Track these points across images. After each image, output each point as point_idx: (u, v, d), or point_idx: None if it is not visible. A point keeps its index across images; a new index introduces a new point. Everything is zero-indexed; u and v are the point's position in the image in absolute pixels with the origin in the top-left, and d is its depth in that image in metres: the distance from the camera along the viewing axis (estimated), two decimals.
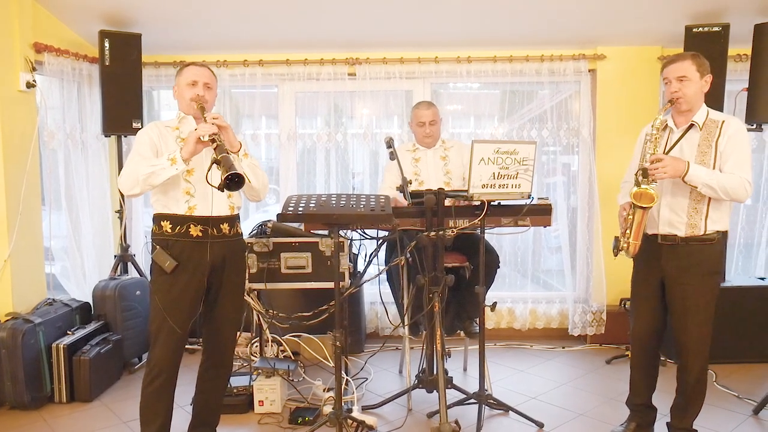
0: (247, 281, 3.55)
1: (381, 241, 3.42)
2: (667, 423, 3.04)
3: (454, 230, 3.21)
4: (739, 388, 3.74)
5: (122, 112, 4.23)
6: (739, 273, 4.70)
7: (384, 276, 3.83)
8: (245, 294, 3.58)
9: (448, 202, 3.23)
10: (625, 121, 4.46)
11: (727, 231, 2.89)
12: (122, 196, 4.43)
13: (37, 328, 3.56)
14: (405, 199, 3.22)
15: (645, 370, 3.07)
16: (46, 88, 4.13)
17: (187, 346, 4.06)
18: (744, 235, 4.71)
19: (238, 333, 3.01)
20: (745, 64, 4.19)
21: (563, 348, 4.61)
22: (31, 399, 3.49)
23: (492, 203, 3.14)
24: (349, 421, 3.09)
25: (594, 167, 4.61)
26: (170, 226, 2.67)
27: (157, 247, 2.67)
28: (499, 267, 3.79)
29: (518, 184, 3.09)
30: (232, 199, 2.75)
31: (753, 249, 4.72)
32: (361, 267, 3.80)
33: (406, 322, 3.60)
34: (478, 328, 3.42)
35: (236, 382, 3.57)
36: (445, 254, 3.30)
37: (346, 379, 3.65)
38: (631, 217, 2.81)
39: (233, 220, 2.81)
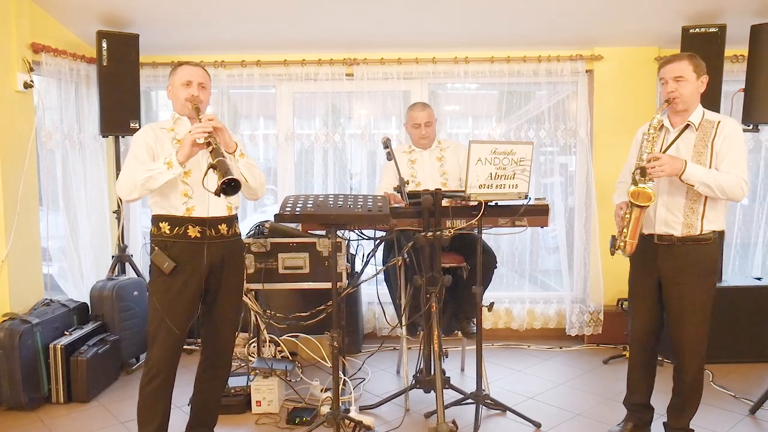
0: (244, 281, 3.56)
1: (378, 241, 3.43)
2: (663, 423, 3.05)
3: (452, 230, 3.21)
4: (735, 387, 3.75)
5: (120, 112, 4.23)
6: (735, 273, 4.71)
7: (381, 276, 3.83)
8: (243, 294, 3.59)
9: (445, 202, 3.23)
10: (622, 121, 4.47)
11: (723, 231, 2.90)
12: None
13: (34, 328, 3.56)
14: (402, 199, 3.22)
15: (643, 370, 3.07)
16: (44, 89, 4.12)
17: (185, 347, 4.09)
18: (741, 235, 4.72)
19: (236, 333, 3.02)
20: (741, 65, 4.20)
21: (560, 348, 4.61)
22: (28, 400, 3.49)
23: (489, 203, 3.15)
24: (347, 422, 3.09)
25: (591, 167, 4.62)
26: (169, 227, 2.67)
27: (156, 248, 2.68)
28: (496, 267, 3.80)
29: (515, 184, 3.09)
30: (229, 200, 2.75)
31: (750, 249, 4.73)
32: (358, 267, 3.81)
33: (403, 323, 3.60)
34: (475, 328, 3.43)
35: (234, 382, 3.57)
36: (443, 254, 3.31)
37: (344, 380, 3.66)
38: (628, 215, 2.81)
39: (231, 220, 2.81)
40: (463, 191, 3.07)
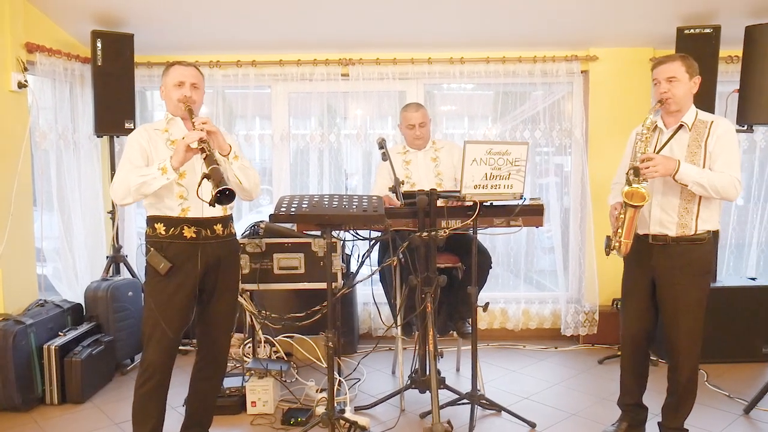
0: (240, 282, 3.55)
1: (374, 241, 3.43)
2: (658, 423, 3.06)
3: (447, 231, 3.21)
4: (729, 387, 3.76)
5: (114, 112, 4.22)
6: (730, 273, 4.73)
7: (377, 276, 3.83)
8: (238, 294, 3.58)
9: (440, 202, 3.23)
10: (618, 122, 4.48)
11: (718, 231, 2.91)
12: None
13: (28, 329, 3.54)
14: (398, 199, 3.22)
15: (636, 370, 3.08)
16: (38, 89, 4.11)
17: (180, 347, 4.07)
18: (735, 235, 4.74)
19: (231, 333, 3.01)
20: (736, 66, 4.22)
21: (556, 348, 4.62)
22: (22, 401, 3.48)
23: (484, 204, 3.15)
24: (342, 422, 3.09)
25: (586, 168, 4.63)
26: (164, 228, 2.67)
27: (152, 249, 2.67)
28: (491, 267, 3.81)
29: (510, 184, 3.09)
30: None
31: (744, 249, 4.75)
32: (354, 268, 3.80)
33: (398, 323, 3.60)
34: (470, 328, 3.43)
35: (229, 383, 3.56)
36: (438, 255, 3.31)
37: (339, 380, 3.66)
38: (622, 216, 2.82)
39: (226, 220, 2.81)
40: (459, 191, 3.07)
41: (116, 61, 4.19)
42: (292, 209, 2.86)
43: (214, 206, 2.40)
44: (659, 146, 2.86)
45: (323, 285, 3.18)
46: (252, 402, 3.48)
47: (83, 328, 3.87)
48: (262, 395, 3.48)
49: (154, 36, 4.38)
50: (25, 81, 3.86)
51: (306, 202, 2.93)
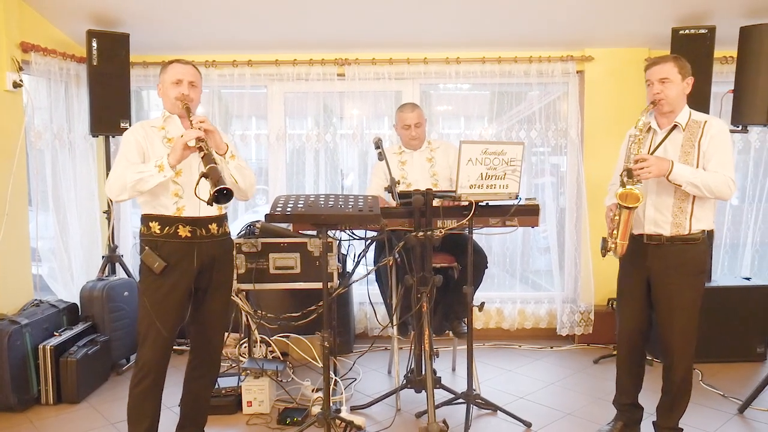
0: (235, 282, 3.55)
1: (369, 241, 3.43)
2: (653, 422, 3.07)
3: (443, 230, 3.22)
4: (724, 387, 3.78)
5: (110, 112, 4.21)
6: (725, 273, 4.74)
7: (373, 276, 3.83)
8: (233, 294, 3.58)
9: (436, 202, 3.24)
10: (613, 122, 4.49)
11: (712, 230, 2.92)
12: None
13: (23, 329, 3.53)
14: (393, 199, 3.22)
15: (631, 370, 3.09)
16: (33, 88, 4.10)
17: (175, 347, 4.08)
18: (730, 235, 4.75)
19: (227, 333, 3.01)
20: (731, 66, 4.23)
21: (551, 348, 4.63)
22: (17, 401, 3.47)
23: (480, 203, 3.16)
24: (338, 422, 3.09)
25: (582, 168, 4.64)
26: (159, 227, 2.67)
27: (146, 247, 2.66)
28: (487, 267, 3.81)
29: (506, 184, 3.10)
30: None
31: (739, 249, 4.76)
32: (349, 267, 3.81)
33: (394, 323, 3.60)
34: (466, 328, 3.43)
35: (224, 382, 3.57)
36: (434, 254, 3.31)
37: (335, 380, 3.66)
38: (617, 217, 2.83)
39: (221, 219, 2.81)
40: (454, 191, 3.07)
41: (112, 60, 4.19)
42: (288, 209, 2.86)
43: (212, 205, 2.40)
44: (653, 147, 2.87)
45: (319, 285, 3.18)
46: (248, 402, 3.48)
47: (79, 328, 3.86)
48: (258, 395, 3.48)
49: (150, 36, 4.37)
50: (20, 80, 3.85)
51: (302, 202, 2.93)
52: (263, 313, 3.80)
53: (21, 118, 3.93)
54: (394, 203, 3.26)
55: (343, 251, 3.96)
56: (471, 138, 4.77)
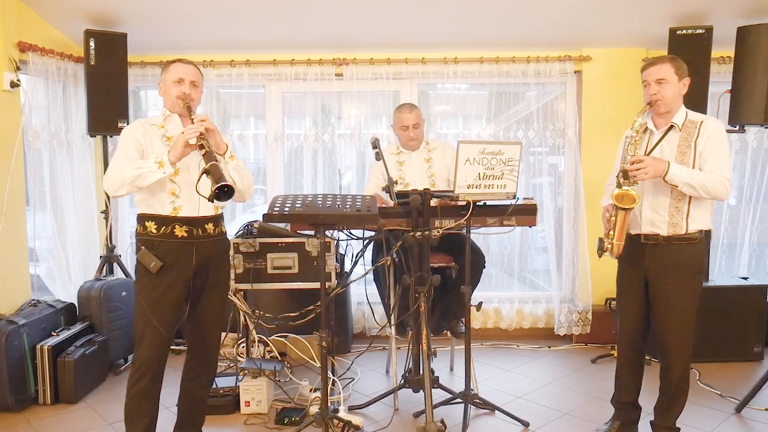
0: (233, 281, 3.55)
1: (367, 241, 3.43)
2: (650, 421, 3.07)
3: (440, 230, 3.22)
4: (721, 386, 3.78)
5: (108, 111, 4.21)
6: (722, 273, 4.75)
7: (371, 276, 3.84)
8: (231, 294, 3.58)
9: (433, 202, 3.24)
10: (611, 122, 4.49)
11: (710, 230, 2.92)
12: (107, 196, 4.41)
13: (21, 329, 3.53)
14: (391, 199, 3.22)
15: (631, 369, 3.09)
16: (31, 88, 4.10)
17: (173, 347, 4.07)
18: (727, 235, 4.75)
19: (225, 333, 3.01)
20: (728, 66, 4.24)
21: (549, 347, 4.63)
22: (14, 401, 3.47)
23: (477, 203, 3.16)
24: (336, 421, 3.09)
25: (579, 168, 4.64)
26: (155, 226, 2.67)
27: (142, 247, 2.66)
28: (484, 267, 3.82)
29: (503, 184, 3.10)
30: None
31: (736, 249, 4.77)
32: (347, 267, 3.81)
33: (392, 322, 3.60)
34: (464, 327, 3.44)
35: (222, 382, 3.57)
36: (431, 254, 3.31)
37: (333, 380, 3.66)
38: (613, 218, 2.83)
39: (218, 219, 2.81)
40: (452, 191, 3.07)
41: (109, 60, 4.18)
42: (286, 209, 2.86)
43: (213, 202, 2.41)
44: (650, 147, 2.87)
45: (317, 284, 3.18)
46: (246, 402, 3.48)
47: (76, 328, 3.86)
48: (256, 395, 3.48)
49: (148, 35, 4.37)
50: (18, 80, 3.85)
51: (299, 202, 2.93)
52: (261, 313, 3.80)
53: (18, 118, 3.92)
54: (391, 203, 3.26)
55: (341, 251, 3.97)
56: (469, 138, 4.77)
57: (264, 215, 2.88)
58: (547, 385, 3.91)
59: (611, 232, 2.85)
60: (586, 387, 3.86)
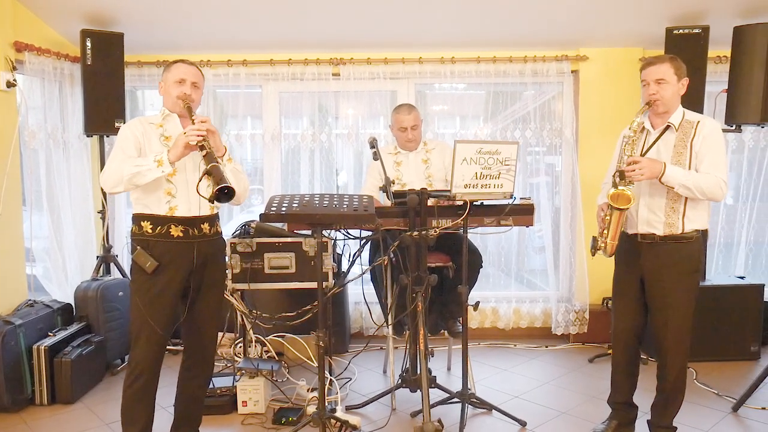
0: (230, 281, 3.55)
1: (364, 241, 3.43)
2: (647, 420, 3.08)
3: (437, 230, 3.22)
4: (718, 385, 3.79)
5: (104, 111, 4.20)
6: (719, 272, 4.76)
7: (368, 276, 3.83)
8: (228, 294, 3.58)
9: (431, 201, 3.24)
10: (608, 121, 4.50)
11: (707, 230, 2.93)
12: (104, 196, 4.40)
13: (17, 329, 3.52)
14: (388, 198, 3.22)
15: (626, 369, 3.10)
16: (27, 88, 4.09)
17: (170, 347, 4.07)
18: (724, 234, 4.77)
19: (222, 333, 3.00)
20: (724, 66, 4.24)
21: (546, 347, 4.63)
22: (11, 401, 3.46)
23: (475, 203, 3.16)
24: (333, 421, 3.09)
25: (576, 167, 4.65)
26: (151, 226, 2.66)
27: (138, 247, 2.66)
28: (482, 266, 3.81)
29: (500, 184, 3.10)
30: None
31: (733, 248, 4.78)
32: (345, 267, 3.80)
33: (389, 322, 3.60)
34: (461, 327, 3.43)
35: (219, 382, 3.56)
36: (428, 254, 3.31)
37: (330, 379, 3.66)
38: (608, 217, 2.83)
39: (213, 219, 2.81)
40: (449, 191, 3.07)
41: (106, 60, 4.18)
42: (283, 209, 2.86)
43: (213, 203, 2.42)
44: (646, 147, 2.87)
45: (314, 284, 3.18)
46: (243, 402, 3.48)
47: (73, 328, 3.85)
48: (253, 395, 3.48)
49: (144, 35, 4.36)
50: (14, 80, 3.84)
51: (296, 202, 2.93)
52: (258, 312, 3.80)
53: (15, 118, 3.91)
54: (388, 203, 3.26)
55: (338, 251, 3.96)
56: (466, 137, 4.78)
57: (261, 215, 2.88)
58: (545, 385, 3.91)
59: (605, 231, 2.86)
60: (584, 386, 3.87)
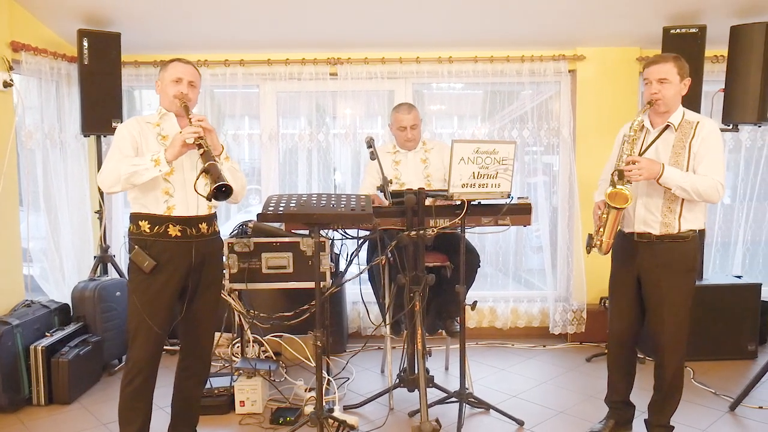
0: (228, 281, 3.54)
1: (362, 240, 3.43)
2: (645, 420, 3.08)
3: (435, 230, 3.22)
4: (715, 384, 3.80)
5: (101, 111, 4.20)
6: (716, 271, 4.77)
7: (366, 275, 3.83)
8: (226, 294, 3.57)
9: (428, 201, 3.24)
10: (605, 121, 4.50)
11: (704, 230, 2.93)
12: (101, 196, 4.40)
13: (14, 329, 3.52)
14: (386, 198, 3.22)
15: (623, 368, 3.10)
16: (24, 88, 4.08)
17: (167, 347, 4.07)
18: (721, 233, 4.77)
19: (219, 333, 3.00)
20: (721, 66, 4.24)
21: (544, 346, 4.64)
22: (8, 401, 3.45)
23: (472, 203, 3.16)
24: (331, 421, 3.09)
25: (574, 167, 4.65)
26: (149, 226, 2.66)
27: (136, 246, 2.66)
28: (479, 266, 3.81)
29: (498, 183, 3.10)
30: None
31: (730, 248, 4.79)
32: (342, 267, 3.80)
33: (387, 322, 3.60)
34: (458, 327, 3.44)
35: (217, 382, 3.56)
36: (426, 254, 3.31)
37: (328, 379, 3.66)
38: (605, 216, 2.84)
39: (211, 219, 2.81)
40: (447, 190, 3.07)
41: (103, 60, 4.17)
42: (280, 208, 2.86)
43: (211, 201, 2.42)
44: (644, 146, 2.87)
45: (312, 284, 3.17)
46: (240, 401, 3.48)
47: (70, 328, 3.84)
48: (251, 395, 3.47)
49: (141, 35, 4.36)
50: (11, 80, 3.83)
51: (294, 202, 2.92)
52: (256, 312, 3.80)
53: (11, 118, 3.91)
54: (386, 202, 3.26)
55: (336, 250, 3.96)
56: (464, 137, 4.78)
57: (258, 215, 2.87)
58: (542, 384, 3.92)
59: (602, 229, 2.86)
60: (581, 386, 3.87)
